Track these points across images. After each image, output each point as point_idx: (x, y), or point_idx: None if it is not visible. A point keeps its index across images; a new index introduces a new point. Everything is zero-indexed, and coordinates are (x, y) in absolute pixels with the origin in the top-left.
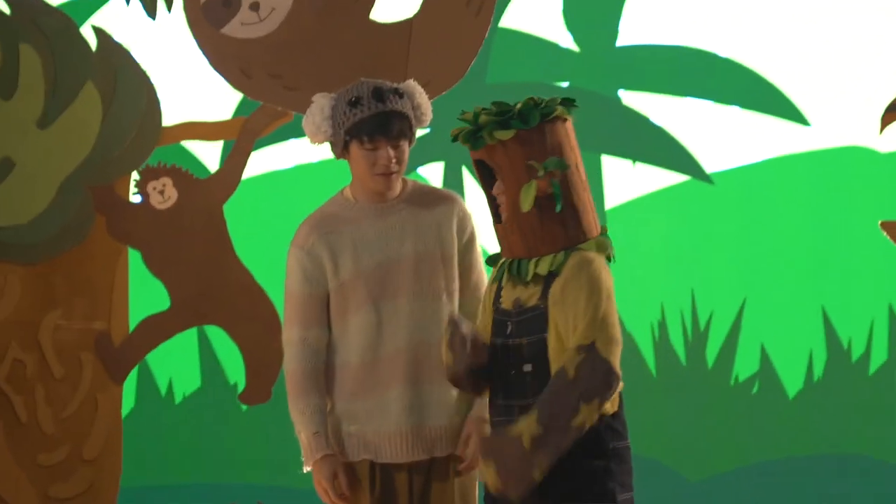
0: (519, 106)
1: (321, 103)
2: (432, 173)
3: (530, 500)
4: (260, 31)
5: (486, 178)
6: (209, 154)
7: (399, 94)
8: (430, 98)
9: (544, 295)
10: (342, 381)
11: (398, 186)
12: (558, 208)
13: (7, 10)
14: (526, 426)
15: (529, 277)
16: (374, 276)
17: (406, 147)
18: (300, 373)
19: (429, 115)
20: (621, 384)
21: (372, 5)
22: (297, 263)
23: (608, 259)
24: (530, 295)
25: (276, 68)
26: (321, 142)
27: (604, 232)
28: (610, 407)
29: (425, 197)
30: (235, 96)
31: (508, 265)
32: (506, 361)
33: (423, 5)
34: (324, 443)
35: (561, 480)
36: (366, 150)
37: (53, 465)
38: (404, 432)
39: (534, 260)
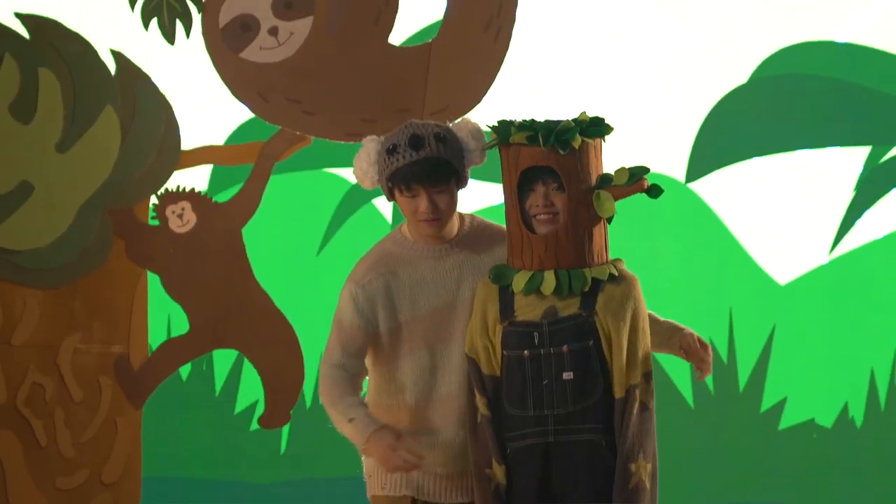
0: (585, 118)
1: (368, 148)
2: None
3: None
4: (278, 55)
5: (522, 191)
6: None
7: (440, 138)
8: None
9: (588, 304)
10: (395, 422)
11: (454, 226)
12: (609, 220)
13: (26, 35)
14: (638, 467)
15: (587, 287)
16: (430, 320)
17: (450, 191)
18: (334, 384)
19: (480, 155)
20: None
21: (391, 30)
22: (351, 298)
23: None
24: (568, 304)
25: (294, 93)
26: (370, 186)
27: None
28: None
29: (482, 235)
30: (237, 122)
31: (554, 275)
32: (536, 371)
33: (441, 30)
34: (368, 420)
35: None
36: (406, 198)
37: (73, 488)
38: (451, 475)
39: (586, 269)
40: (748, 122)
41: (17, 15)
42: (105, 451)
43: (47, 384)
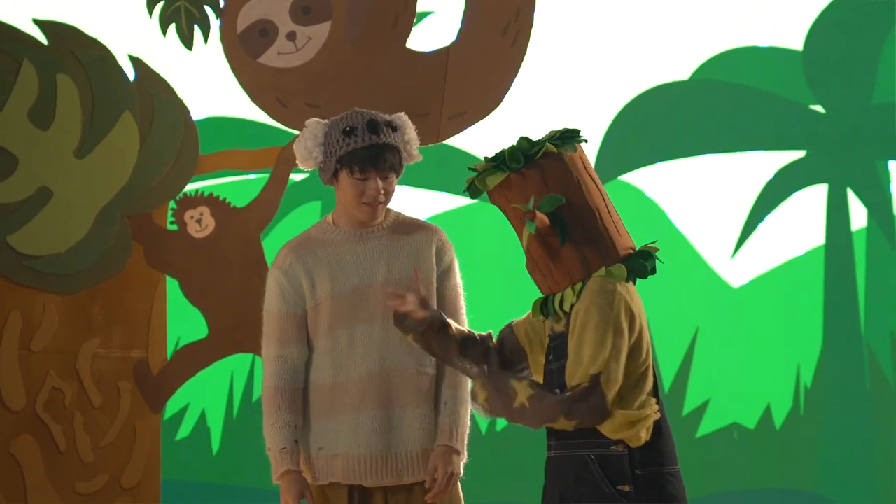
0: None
1: (314, 129)
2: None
3: None
4: (297, 60)
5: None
6: None
7: (393, 127)
8: (465, 127)
9: (568, 320)
10: (315, 401)
11: (382, 216)
12: (562, 242)
13: (44, 41)
14: (523, 391)
15: (558, 314)
16: (349, 300)
17: (394, 179)
18: (273, 389)
19: (417, 151)
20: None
21: (409, 35)
22: (276, 283)
23: (638, 279)
24: (559, 320)
25: (312, 97)
26: (311, 167)
27: (627, 256)
28: (636, 439)
29: (405, 225)
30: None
31: (540, 305)
32: (549, 385)
33: (459, 35)
34: (289, 459)
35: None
36: (355, 180)
37: (92, 493)
38: (374, 455)
39: (557, 296)
40: (652, 128)
41: (36, 21)
42: (124, 456)
43: (67, 389)
